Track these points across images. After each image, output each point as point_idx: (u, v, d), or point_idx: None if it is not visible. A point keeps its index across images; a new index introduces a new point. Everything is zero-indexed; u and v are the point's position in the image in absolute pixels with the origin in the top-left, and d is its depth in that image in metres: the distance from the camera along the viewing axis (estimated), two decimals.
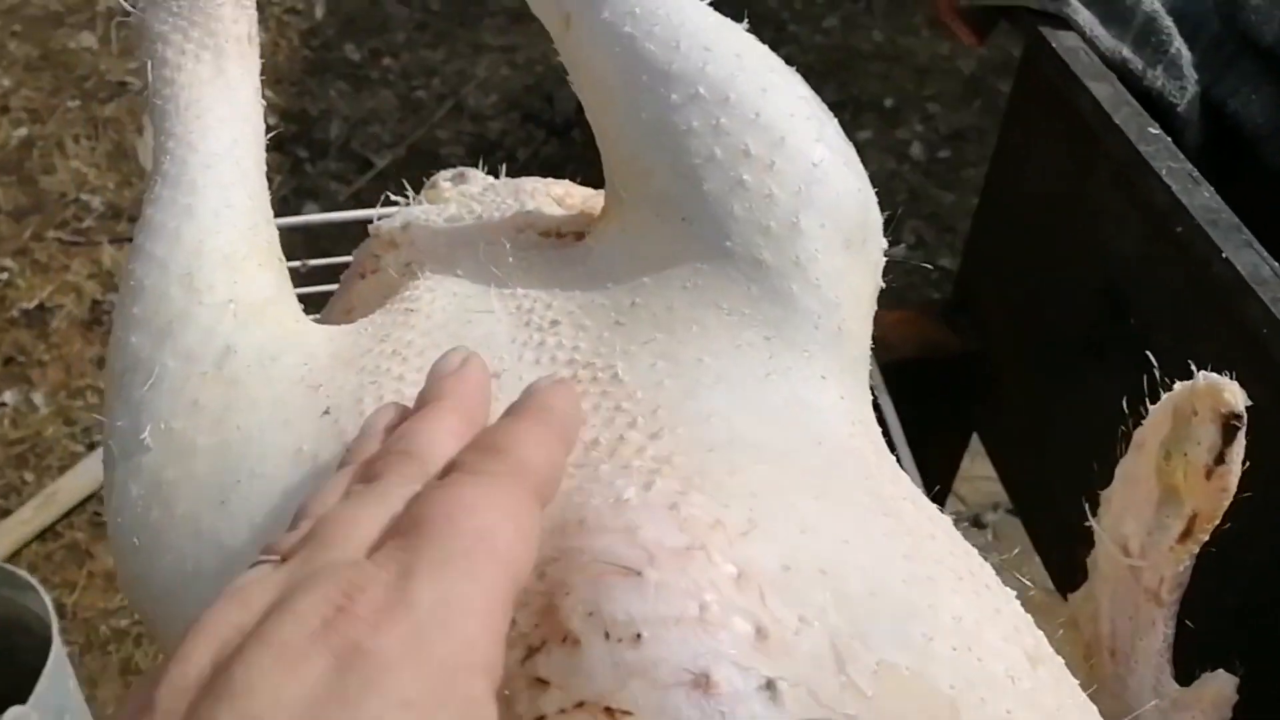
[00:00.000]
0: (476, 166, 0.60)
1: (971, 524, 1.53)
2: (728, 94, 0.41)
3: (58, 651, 0.93)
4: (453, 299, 0.44)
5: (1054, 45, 0.59)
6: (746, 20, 0.44)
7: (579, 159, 2.02)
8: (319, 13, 2.34)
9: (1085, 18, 0.61)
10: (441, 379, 0.35)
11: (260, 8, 0.50)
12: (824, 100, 0.44)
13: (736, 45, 0.43)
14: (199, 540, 0.39)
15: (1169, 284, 0.56)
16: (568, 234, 0.50)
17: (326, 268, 0.79)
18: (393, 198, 0.57)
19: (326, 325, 0.46)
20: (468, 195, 0.54)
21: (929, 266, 1.85)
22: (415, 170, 2.22)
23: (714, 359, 0.39)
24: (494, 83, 2.23)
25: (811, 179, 0.41)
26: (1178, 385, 0.42)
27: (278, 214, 0.48)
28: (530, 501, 0.30)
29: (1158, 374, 0.42)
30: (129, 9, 0.46)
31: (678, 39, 0.42)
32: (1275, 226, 0.58)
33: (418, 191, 0.59)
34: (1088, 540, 0.49)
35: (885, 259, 0.44)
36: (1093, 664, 0.45)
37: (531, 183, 0.54)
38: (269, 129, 0.51)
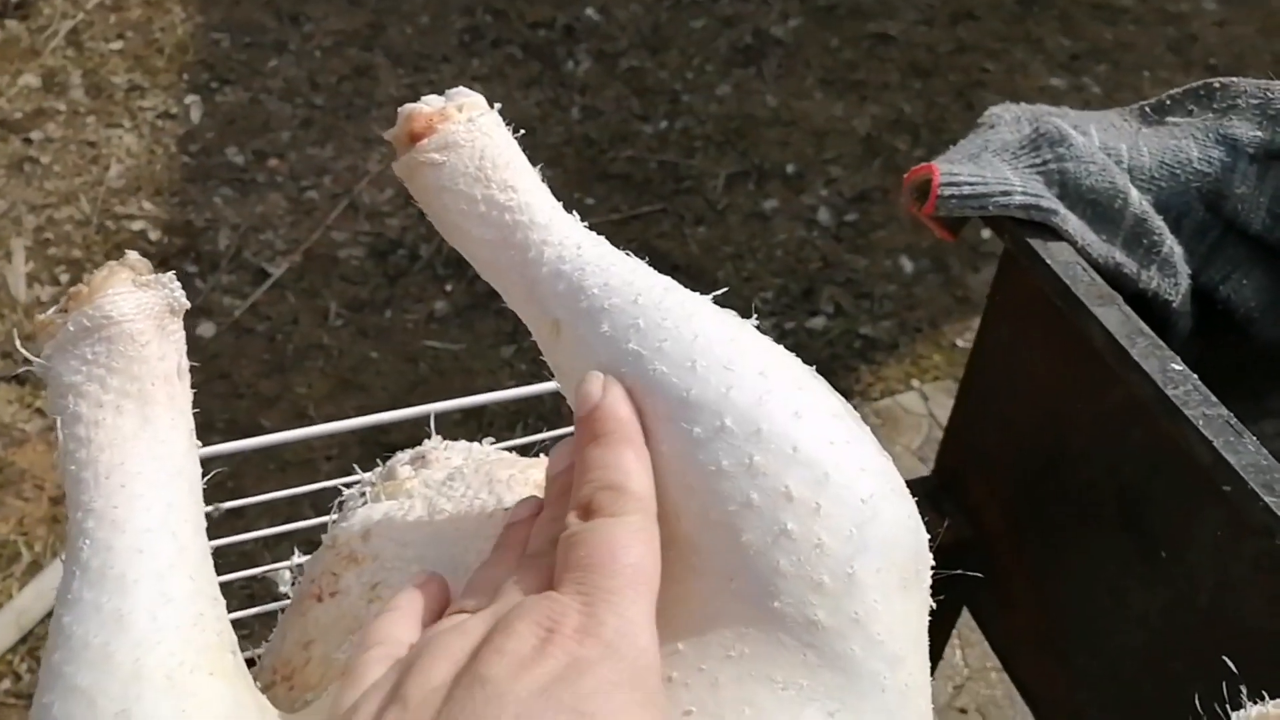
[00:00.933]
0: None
1: None
2: (759, 425, 0.35)
3: None
4: None
5: (1049, 262, 0.55)
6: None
7: None
8: (195, 115, 2.22)
9: (1075, 225, 0.57)
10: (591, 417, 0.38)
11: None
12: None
13: (760, 360, 0.37)
14: None
15: (1211, 534, 0.52)
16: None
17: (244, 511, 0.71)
18: (343, 490, 0.50)
19: None
20: (432, 485, 0.47)
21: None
22: (313, 277, 2.10)
23: None
24: (388, 177, 2.15)
25: (863, 518, 0.35)
26: (1272, 705, 0.37)
27: None
28: (652, 527, 0.36)
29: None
30: (30, 358, 0.38)
31: (693, 358, 0.36)
32: (1267, 392, 0.55)
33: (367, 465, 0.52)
34: None
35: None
36: None
37: (505, 468, 0.47)
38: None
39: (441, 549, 0.43)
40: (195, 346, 1.85)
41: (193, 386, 0.44)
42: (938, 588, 0.39)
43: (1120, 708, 0.62)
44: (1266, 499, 0.45)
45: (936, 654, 0.83)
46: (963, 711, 1.41)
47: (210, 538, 0.52)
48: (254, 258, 2.00)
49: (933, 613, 0.54)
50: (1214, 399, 0.49)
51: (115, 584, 0.36)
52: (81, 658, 0.34)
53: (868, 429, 0.38)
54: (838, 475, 0.35)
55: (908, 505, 0.37)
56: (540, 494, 0.46)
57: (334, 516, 0.48)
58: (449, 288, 1.96)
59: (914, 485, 0.76)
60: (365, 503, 0.47)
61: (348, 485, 0.50)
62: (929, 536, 0.39)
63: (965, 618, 1.54)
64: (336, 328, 1.90)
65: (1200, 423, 0.48)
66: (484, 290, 1.97)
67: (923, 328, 1.91)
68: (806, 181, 2.16)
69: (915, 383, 1.78)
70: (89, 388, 0.38)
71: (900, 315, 1.92)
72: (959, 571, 0.71)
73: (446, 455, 0.50)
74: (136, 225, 1.99)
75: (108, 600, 0.35)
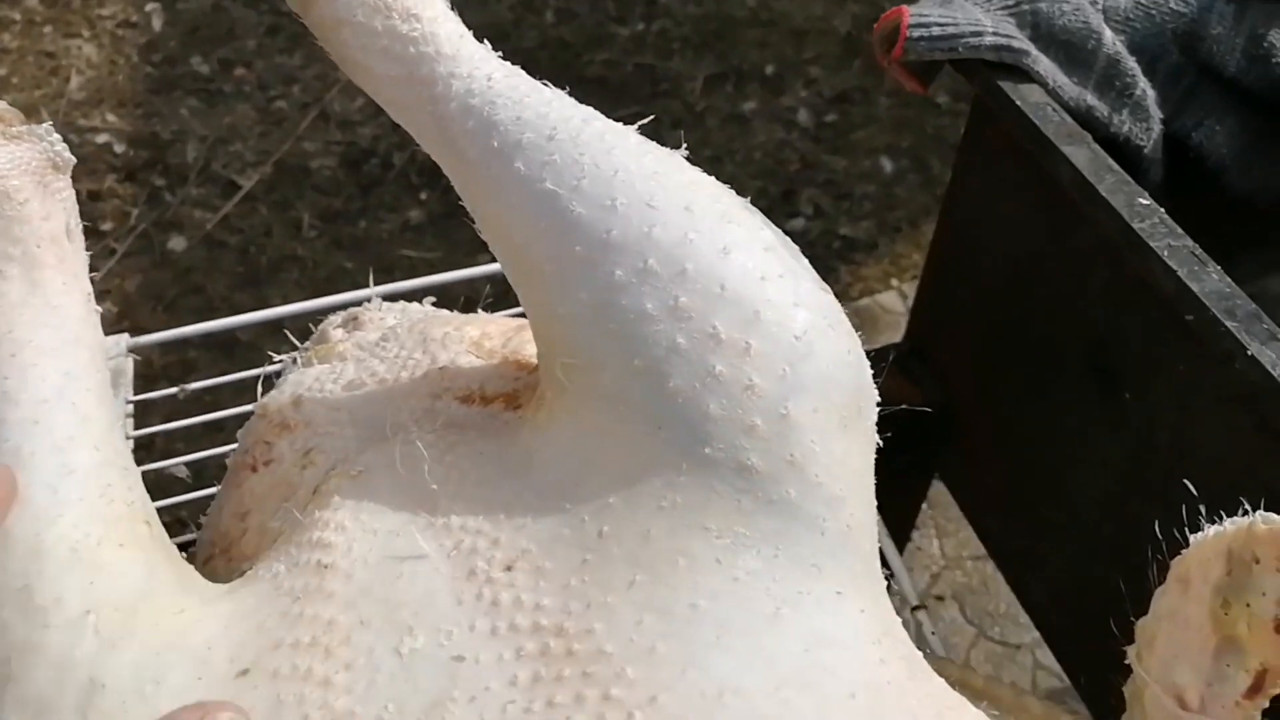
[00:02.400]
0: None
1: None
2: (684, 264, 0.34)
3: None
4: (373, 540, 0.36)
5: (1019, 104, 0.53)
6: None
7: None
8: (157, 24, 2.16)
9: (1046, 66, 0.55)
10: None
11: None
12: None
13: (685, 195, 0.35)
14: None
15: (1174, 368, 0.51)
16: (495, 397, 0.42)
17: (213, 390, 0.69)
18: (276, 357, 0.48)
19: (217, 599, 0.36)
20: (365, 347, 0.46)
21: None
22: (285, 188, 2.07)
23: (711, 602, 0.32)
24: (359, 86, 2.10)
25: (796, 356, 0.33)
26: (1229, 524, 0.36)
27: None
28: None
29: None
30: None
31: (613, 195, 0.34)
32: (1237, 254, 0.53)
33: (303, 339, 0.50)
34: (1110, 655, 0.44)
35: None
36: None
37: (440, 325, 0.45)
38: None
39: (373, 409, 0.42)
40: (167, 261, 1.82)
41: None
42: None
43: (1081, 555, 0.62)
44: (1228, 324, 0.44)
45: (909, 520, 0.83)
46: (939, 599, 1.42)
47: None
48: (223, 170, 1.96)
49: (904, 477, 0.52)
50: (1180, 231, 0.47)
51: (10, 458, 0.34)
52: None
53: (806, 262, 0.36)
54: (769, 312, 0.33)
55: (846, 340, 0.35)
56: (475, 352, 0.45)
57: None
58: (423, 196, 1.92)
59: (885, 353, 0.76)
60: (297, 370, 0.46)
61: (283, 357, 0.48)
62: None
63: (943, 508, 1.55)
64: (310, 239, 1.86)
65: (1165, 254, 0.46)
66: (458, 198, 1.94)
67: (902, 227, 1.89)
68: (786, 83, 2.11)
69: (894, 282, 1.77)
70: None
71: (880, 215, 1.90)
72: (931, 441, 0.70)
73: (380, 316, 0.48)
74: (101, 138, 1.94)
75: None
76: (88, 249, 0.40)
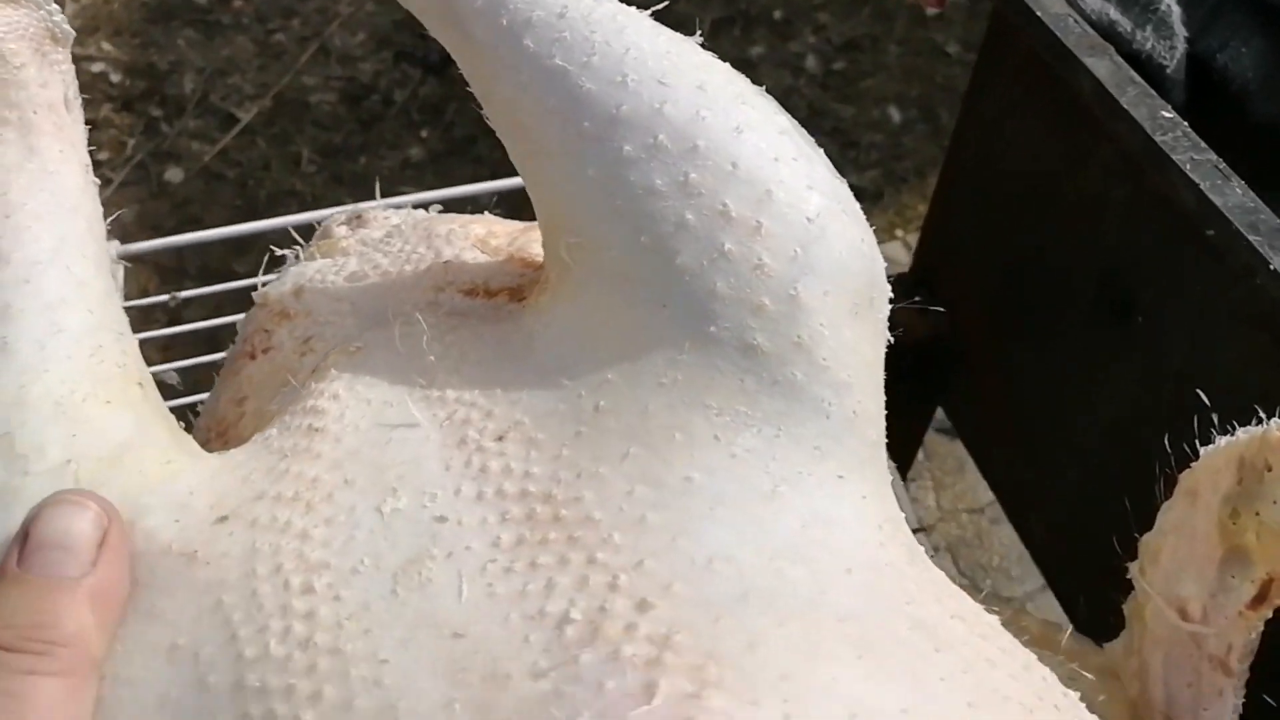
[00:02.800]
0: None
1: None
2: (695, 141, 0.33)
3: None
4: (366, 408, 0.35)
5: (1039, 14, 0.52)
6: None
7: (461, 97, 1.89)
8: None
9: None
10: None
11: None
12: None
13: (697, 74, 0.34)
14: None
15: (1191, 288, 0.50)
16: (499, 290, 0.42)
17: (206, 300, 0.69)
18: (278, 253, 0.47)
19: (207, 456, 0.37)
20: (369, 243, 0.45)
21: None
22: (284, 122, 2.05)
23: (707, 476, 0.32)
24: (359, 20, 2.07)
25: (808, 238, 0.33)
26: (1242, 433, 0.36)
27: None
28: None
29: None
30: None
31: (624, 72, 0.34)
32: (1258, 182, 0.53)
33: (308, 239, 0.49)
34: (1111, 572, 0.44)
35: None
36: None
37: (445, 223, 0.45)
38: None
39: (375, 300, 0.41)
40: (164, 192, 1.81)
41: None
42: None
43: (1084, 484, 0.62)
44: (1251, 238, 0.43)
45: (910, 450, 0.83)
46: (934, 551, 1.43)
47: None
48: (221, 102, 1.94)
49: (906, 409, 0.52)
50: (1203, 145, 0.47)
51: (0, 312, 0.34)
52: None
53: (820, 151, 0.36)
54: (781, 193, 0.33)
55: (860, 229, 0.35)
56: (480, 248, 0.44)
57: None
58: (424, 134, 1.91)
59: (890, 284, 0.75)
60: (298, 263, 0.45)
61: (284, 252, 0.47)
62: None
63: (940, 460, 1.56)
64: (309, 174, 1.85)
65: (1188, 167, 0.46)
66: (460, 136, 1.92)
67: (909, 178, 1.88)
68: (794, 29, 2.09)
69: (899, 233, 1.76)
70: None
71: (886, 165, 1.89)
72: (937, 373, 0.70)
73: (385, 216, 0.47)
74: (96, 67, 1.92)
75: None
76: None
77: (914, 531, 0.37)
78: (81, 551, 0.30)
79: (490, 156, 1.87)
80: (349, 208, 0.48)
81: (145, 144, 1.83)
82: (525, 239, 0.45)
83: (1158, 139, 0.47)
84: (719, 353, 0.33)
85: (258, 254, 0.49)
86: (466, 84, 0.38)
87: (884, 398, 0.36)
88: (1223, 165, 0.46)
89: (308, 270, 0.44)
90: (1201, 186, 0.45)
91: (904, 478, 0.76)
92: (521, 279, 0.43)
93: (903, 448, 0.83)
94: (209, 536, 0.31)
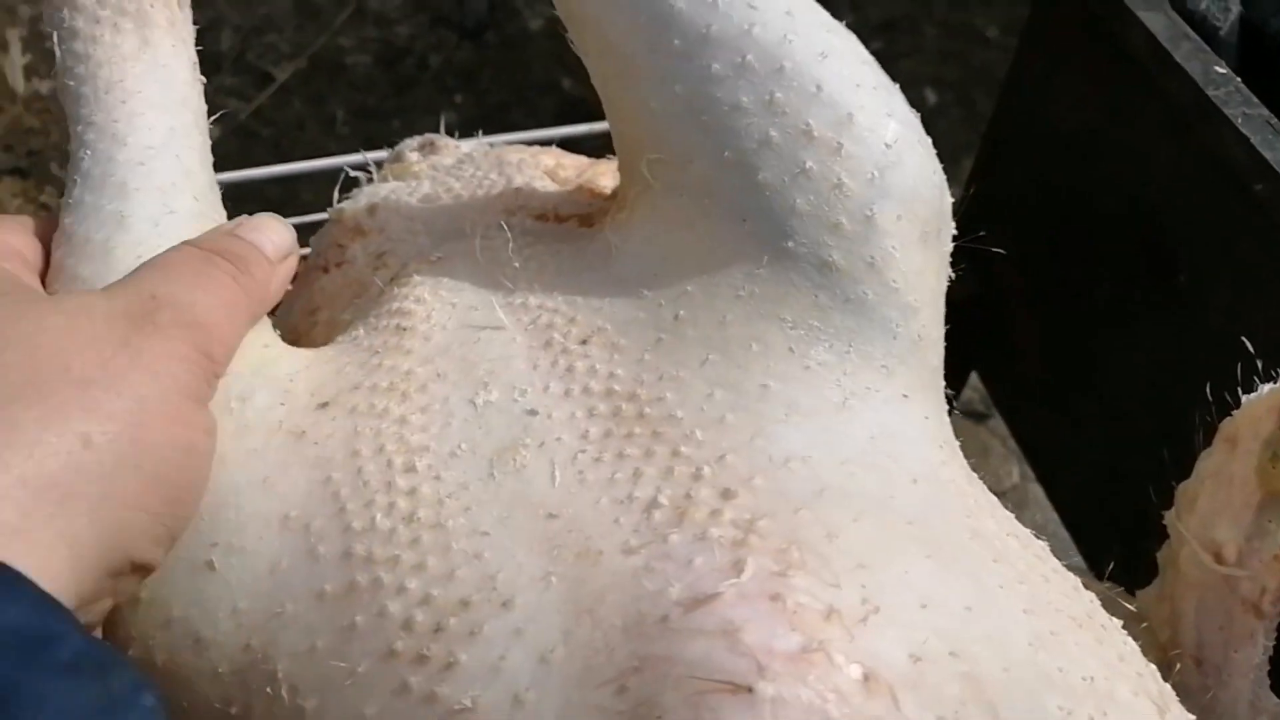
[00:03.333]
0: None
1: None
2: (781, 62, 0.34)
3: None
4: (451, 311, 0.37)
5: None
6: None
7: (495, 64, 1.90)
8: None
9: None
10: None
11: None
12: None
13: (786, 1, 0.35)
14: (170, 631, 0.32)
15: (1237, 245, 0.51)
16: (568, 217, 0.43)
17: None
18: (351, 173, 0.49)
19: (298, 349, 0.38)
20: (441, 169, 0.46)
21: None
22: (319, 83, 2.05)
23: (782, 385, 0.33)
24: None
25: (885, 163, 0.34)
26: None
27: None
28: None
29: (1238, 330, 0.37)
30: None
31: None
32: None
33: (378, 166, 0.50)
34: (1144, 526, 0.45)
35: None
36: (1178, 671, 0.41)
37: (516, 153, 0.46)
38: None
39: (448, 221, 0.43)
40: None
41: None
42: (946, 345, 0.38)
43: (1115, 447, 0.63)
44: None
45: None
46: None
47: None
48: (258, 61, 1.95)
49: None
50: (1255, 100, 0.47)
51: (116, 190, 0.35)
52: (83, 251, 0.34)
53: (897, 86, 0.37)
54: (862, 117, 0.34)
55: (933, 161, 0.36)
56: (550, 180, 0.46)
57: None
58: (458, 99, 1.91)
59: None
60: (371, 185, 0.47)
61: (354, 168, 0.49)
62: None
63: (961, 444, 1.56)
64: (344, 135, 1.86)
65: (1239, 121, 0.47)
66: (493, 103, 1.93)
67: (942, 162, 1.88)
68: (832, 7, 2.08)
69: None
70: (85, 1, 0.37)
71: None
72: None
73: (456, 144, 0.49)
74: None
75: (109, 203, 0.35)
76: None
77: None
78: (280, 246, 0.37)
79: (523, 124, 1.88)
80: (420, 137, 0.50)
81: None
82: (593, 171, 0.46)
83: (1210, 93, 0.48)
84: (795, 268, 0.34)
85: (293, 211, 0.50)
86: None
87: (943, 328, 0.38)
88: (1275, 121, 0.47)
89: (381, 190, 0.45)
90: (1253, 140, 0.46)
91: None
92: (590, 208, 0.44)
93: None
94: (314, 420, 0.33)
